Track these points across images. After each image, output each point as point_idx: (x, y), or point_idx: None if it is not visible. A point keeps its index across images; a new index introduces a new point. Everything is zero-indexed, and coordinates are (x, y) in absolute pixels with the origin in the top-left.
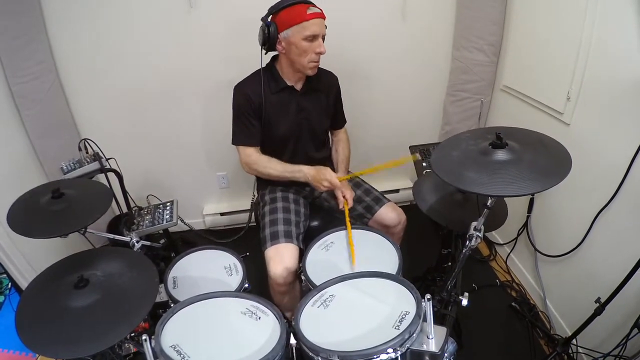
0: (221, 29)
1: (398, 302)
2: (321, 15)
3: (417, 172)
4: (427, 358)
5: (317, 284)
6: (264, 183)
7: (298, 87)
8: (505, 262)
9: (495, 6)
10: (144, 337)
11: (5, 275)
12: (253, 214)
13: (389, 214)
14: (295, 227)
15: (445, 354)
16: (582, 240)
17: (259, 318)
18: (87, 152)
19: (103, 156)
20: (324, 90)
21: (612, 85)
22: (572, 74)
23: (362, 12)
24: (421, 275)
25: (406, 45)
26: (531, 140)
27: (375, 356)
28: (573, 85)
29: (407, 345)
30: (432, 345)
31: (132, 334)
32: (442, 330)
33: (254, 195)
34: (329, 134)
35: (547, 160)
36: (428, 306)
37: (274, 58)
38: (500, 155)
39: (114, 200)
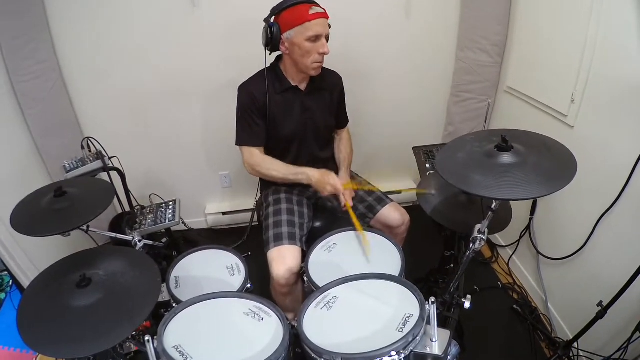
0: (224, 29)
1: (401, 305)
2: (324, 15)
3: (421, 174)
4: None
5: (320, 286)
6: (268, 183)
7: (302, 87)
8: (507, 265)
9: (499, 6)
10: (147, 338)
11: (6, 273)
12: (255, 214)
13: (392, 214)
14: (299, 230)
15: (449, 357)
16: (584, 243)
17: (262, 319)
18: (89, 151)
19: (106, 155)
20: (328, 90)
21: (616, 87)
22: (576, 76)
23: (365, 11)
24: (424, 277)
25: (409, 45)
26: (536, 143)
27: (378, 359)
28: (577, 87)
29: (411, 348)
30: (436, 348)
31: (134, 333)
32: (446, 333)
33: (257, 199)
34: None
35: (553, 164)
36: (432, 309)
37: (278, 58)
38: (506, 158)
39: (116, 199)
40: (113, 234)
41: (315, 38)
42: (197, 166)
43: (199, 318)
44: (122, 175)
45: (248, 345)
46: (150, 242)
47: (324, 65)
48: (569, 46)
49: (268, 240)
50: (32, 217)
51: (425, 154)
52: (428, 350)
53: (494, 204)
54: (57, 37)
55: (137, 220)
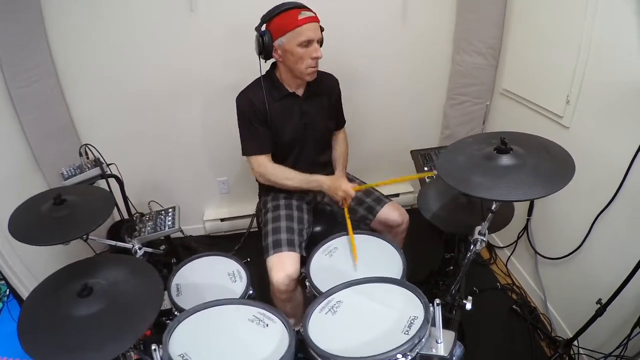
0: (222, 33)
1: (406, 307)
2: (314, 19)
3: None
4: None
5: (322, 290)
6: (267, 189)
7: (300, 92)
8: (506, 265)
9: (495, 9)
10: (153, 347)
11: (3, 282)
12: (254, 220)
13: (392, 213)
14: (297, 236)
15: (454, 358)
16: (582, 242)
17: (267, 325)
18: (87, 158)
19: (104, 162)
20: (325, 94)
21: (611, 88)
22: (571, 77)
23: (361, 15)
24: (424, 279)
25: (405, 49)
26: (534, 145)
27: None
28: (572, 88)
29: (417, 350)
30: (441, 350)
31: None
32: (450, 335)
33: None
34: None
35: (551, 165)
36: (437, 311)
37: (274, 65)
38: (505, 160)
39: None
40: (113, 242)
41: (307, 43)
42: (195, 172)
43: (203, 326)
44: (120, 183)
45: (254, 351)
46: (150, 250)
47: (320, 69)
48: (564, 48)
49: (267, 247)
50: (31, 224)
51: (422, 157)
52: (434, 352)
53: (494, 206)
54: (54, 43)
55: (137, 227)
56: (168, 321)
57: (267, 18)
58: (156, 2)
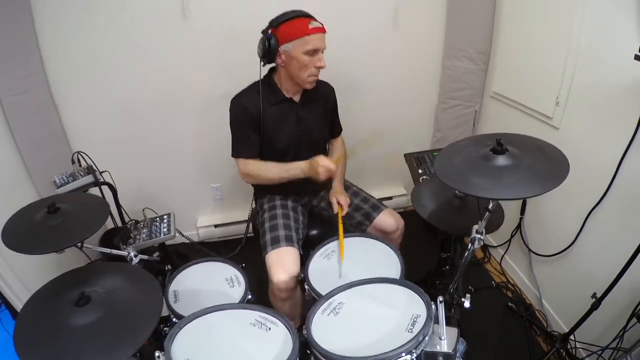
0: (215, 40)
1: (407, 306)
2: (322, 30)
3: (414, 180)
4: (440, 359)
5: (321, 293)
6: (263, 192)
7: (296, 98)
8: (500, 264)
9: (484, 14)
10: (156, 354)
11: None
12: (251, 224)
13: (387, 220)
14: (295, 232)
15: (457, 354)
16: (574, 239)
17: (269, 329)
18: (80, 166)
19: (97, 169)
20: (321, 101)
21: (600, 89)
22: (560, 79)
23: (353, 22)
24: (422, 279)
25: (397, 55)
26: (529, 145)
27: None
28: (562, 90)
29: (422, 348)
30: (445, 346)
31: None
32: (453, 331)
33: (252, 207)
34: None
35: (545, 164)
36: (440, 308)
37: (272, 70)
38: (501, 160)
39: None
40: (108, 250)
41: (314, 52)
42: (188, 179)
43: (205, 331)
44: (113, 190)
45: (258, 355)
46: (146, 257)
47: None
48: (553, 50)
49: (265, 244)
50: (25, 233)
51: (416, 160)
52: (438, 349)
53: (490, 205)
54: (45, 50)
55: (132, 235)
56: (166, 328)
57: (276, 23)
58: (149, 9)
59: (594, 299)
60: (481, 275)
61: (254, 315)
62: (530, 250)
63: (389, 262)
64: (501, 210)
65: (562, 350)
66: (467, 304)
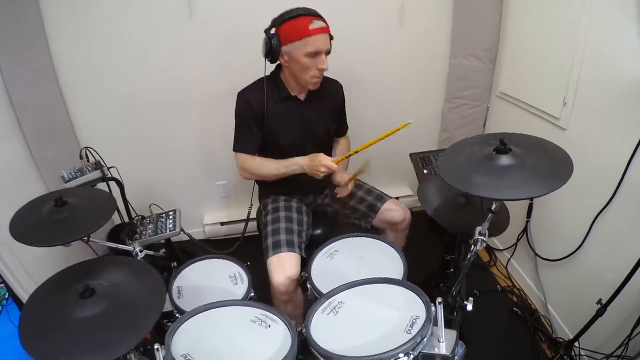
0: (221, 38)
1: (407, 307)
2: (325, 30)
3: (419, 179)
4: None
5: (323, 292)
6: (267, 191)
7: (302, 97)
8: (506, 268)
9: (491, 13)
10: (155, 347)
11: (2, 285)
12: (251, 223)
13: (394, 209)
14: (297, 237)
15: (456, 357)
16: (581, 243)
17: (269, 326)
18: (88, 161)
19: (104, 165)
20: (328, 99)
21: (607, 89)
22: (567, 79)
23: (359, 20)
24: (424, 281)
25: (403, 53)
26: (532, 145)
27: None
28: (569, 90)
29: (419, 349)
30: (443, 349)
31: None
32: (452, 334)
33: (251, 205)
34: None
35: (549, 164)
36: (439, 309)
37: (279, 67)
38: (505, 160)
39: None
40: (114, 245)
41: (315, 54)
42: (194, 176)
43: (205, 327)
44: (120, 186)
45: (257, 352)
46: (152, 253)
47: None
48: (560, 50)
49: (267, 248)
50: (33, 226)
51: (422, 159)
52: (436, 351)
53: (493, 206)
54: (53, 46)
55: (138, 230)
56: (169, 324)
57: (278, 22)
58: (156, 7)
59: (599, 305)
60: (487, 279)
61: (254, 312)
62: (536, 254)
63: (392, 263)
64: (507, 212)
65: (566, 357)
66: (469, 307)
